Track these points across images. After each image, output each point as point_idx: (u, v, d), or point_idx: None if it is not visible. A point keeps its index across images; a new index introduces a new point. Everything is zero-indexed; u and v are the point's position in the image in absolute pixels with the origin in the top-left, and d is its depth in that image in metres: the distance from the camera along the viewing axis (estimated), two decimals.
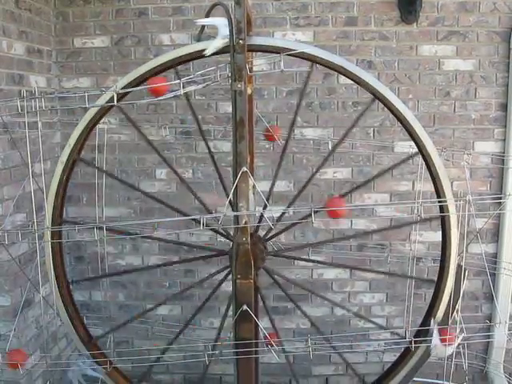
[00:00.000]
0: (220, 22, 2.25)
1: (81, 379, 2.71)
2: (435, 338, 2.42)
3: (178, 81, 2.24)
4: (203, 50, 2.33)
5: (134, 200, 3.89)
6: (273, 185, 2.66)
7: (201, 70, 2.30)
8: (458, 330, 2.44)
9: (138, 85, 2.40)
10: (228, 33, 2.22)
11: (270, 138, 3.43)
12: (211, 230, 2.62)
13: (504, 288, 3.84)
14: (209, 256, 2.89)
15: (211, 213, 2.61)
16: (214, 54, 2.29)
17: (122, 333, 3.81)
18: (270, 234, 2.67)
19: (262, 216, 2.59)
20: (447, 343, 2.41)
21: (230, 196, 2.35)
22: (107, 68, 3.80)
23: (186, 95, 2.41)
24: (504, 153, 3.76)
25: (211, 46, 2.26)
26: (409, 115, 2.40)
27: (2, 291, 3.30)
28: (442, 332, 2.43)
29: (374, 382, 2.80)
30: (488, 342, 3.98)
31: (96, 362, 2.72)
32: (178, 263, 3.88)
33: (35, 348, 3.53)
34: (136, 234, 3.04)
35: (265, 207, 2.53)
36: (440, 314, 2.49)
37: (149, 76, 2.42)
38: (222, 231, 2.64)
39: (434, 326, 2.45)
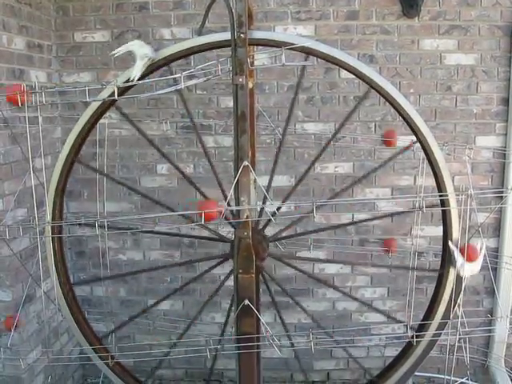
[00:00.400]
0: (134, 47, 2.33)
1: None
2: (459, 258, 2.37)
3: (178, 75, 2.23)
4: (206, 44, 2.34)
5: (134, 195, 3.89)
6: (271, 179, 2.65)
7: (202, 64, 2.29)
8: (479, 244, 2.39)
9: (138, 79, 2.39)
10: (147, 51, 2.31)
11: (388, 143, 3.43)
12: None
13: (505, 282, 3.84)
14: (212, 257, 2.89)
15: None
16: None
17: (123, 328, 3.81)
18: (275, 232, 2.68)
19: (262, 210, 2.59)
20: (470, 259, 2.37)
21: (231, 191, 2.34)
22: (108, 63, 3.79)
23: (180, 92, 2.41)
24: (505, 147, 3.75)
25: (134, 71, 2.33)
26: (410, 109, 2.39)
27: (4, 286, 3.30)
28: (462, 251, 2.38)
29: (377, 376, 2.79)
30: (489, 336, 3.98)
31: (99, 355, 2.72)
32: (180, 265, 3.89)
33: (37, 343, 3.54)
34: (137, 228, 3.04)
35: (265, 201, 2.53)
36: (455, 239, 2.46)
37: (150, 71, 2.41)
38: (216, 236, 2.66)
39: (453, 247, 2.40)
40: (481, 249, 2.40)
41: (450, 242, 2.42)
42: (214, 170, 2.69)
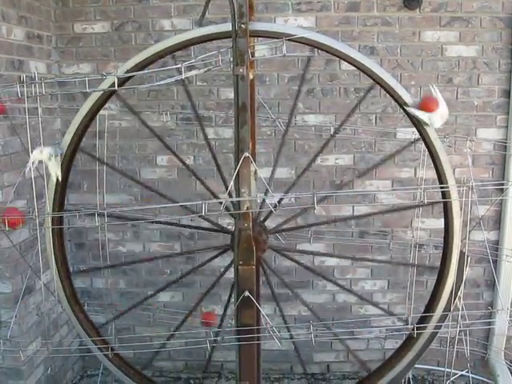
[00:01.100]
0: (36, 156, 2.38)
1: None
2: (423, 114, 2.30)
3: (178, 65, 2.22)
4: (206, 36, 2.33)
5: (134, 186, 3.88)
6: (274, 170, 2.65)
7: (202, 55, 2.28)
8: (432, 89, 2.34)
9: (139, 70, 2.38)
10: (48, 152, 2.40)
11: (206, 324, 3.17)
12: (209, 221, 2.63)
13: (505, 275, 3.84)
14: (212, 248, 2.88)
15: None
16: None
17: (123, 320, 3.80)
18: (275, 224, 2.67)
19: (263, 202, 2.58)
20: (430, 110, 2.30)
21: (231, 183, 2.34)
22: (107, 54, 3.78)
23: (183, 82, 2.41)
24: (506, 139, 3.74)
25: (53, 172, 2.45)
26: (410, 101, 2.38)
27: (3, 278, 3.29)
28: (422, 106, 2.31)
29: (377, 369, 2.79)
30: (489, 329, 3.99)
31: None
32: (181, 255, 3.89)
33: (36, 335, 3.54)
34: (137, 219, 3.04)
35: (266, 193, 2.52)
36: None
37: (150, 61, 2.40)
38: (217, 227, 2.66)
39: (411, 109, 2.33)
40: (435, 92, 2.34)
41: (406, 108, 2.35)
42: (217, 162, 2.68)
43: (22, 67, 3.36)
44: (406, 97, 2.36)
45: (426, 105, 2.31)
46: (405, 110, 2.36)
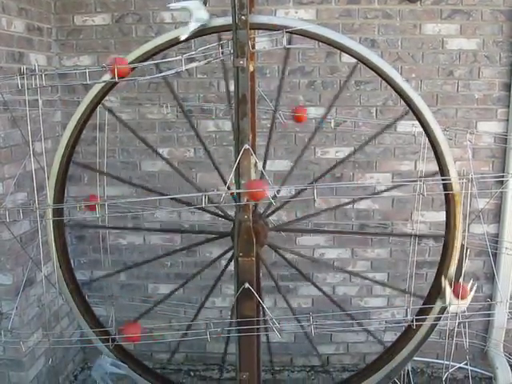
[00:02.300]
0: (193, 5, 2.25)
1: (105, 378, 2.73)
2: (449, 295, 2.44)
3: (179, 57, 2.22)
4: (206, 29, 2.32)
5: (135, 179, 3.88)
6: (265, 158, 2.65)
7: (202, 47, 2.28)
8: (470, 284, 2.45)
9: (140, 62, 2.38)
10: (203, 15, 2.24)
11: (298, 118, 3.35)
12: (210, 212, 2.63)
13: (505, 268, 3.85)
14: (211, 239, 2.88)
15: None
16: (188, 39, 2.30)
17: (123, 312, 3.82)
18: (271, 210, 2.67)
19: None
20: (461, 297, 2.43)
21: (231, 175, 2.34)
22: (108, 46, 3.77)
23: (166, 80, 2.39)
24: (507, 133, 3.74)
25: (186, 31, 2.26)
26: (413, 94, 2.38)
27: (4, 270, 3.30)
28: (454, 288, 2.45)
29: (375, 360, 2.81)
30: (488, 321, 4.00)
31: (99, 338, 2.73)
32: (182, 250, 3.88)
33: (37, 327, 3.55)
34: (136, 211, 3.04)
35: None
36: (451, 272, 2.49)
37: (151, 54, 2.40)
38: (220, 212, 2.65)
39: (445, 283, 2.46)
40: (471, 289, 2.46)
41: (443, 279, 2.48)
42: (210, 155, 2.68)
43: (22, 59, 3.36)
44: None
45: (459, 291, 2.45)
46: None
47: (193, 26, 2.25)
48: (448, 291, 2.44)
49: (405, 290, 3.41)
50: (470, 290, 2.46)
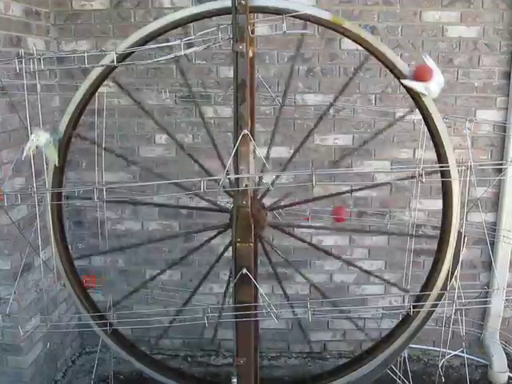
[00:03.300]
0: (33, 142, 2.34)
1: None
2: (418, 85, 2.29)
3: (178, 41, 2.21)
4: (205, 12, 2.31)
5: (133, 165, 3.88)
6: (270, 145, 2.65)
7: (201, 32, 2.26)
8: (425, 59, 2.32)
9: (139, 46, 2.36)
10: (46, 137, 2.34)
11: (338, 219, 3.41)
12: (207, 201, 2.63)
13: (502, 256, 3.87)
14: (211, 228, 2.89)
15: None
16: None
17: (121, 297, 3.83)
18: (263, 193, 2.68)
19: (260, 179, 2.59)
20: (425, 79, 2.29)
21: (230, 160, 2.34)
22: (106, 31, 3.75)
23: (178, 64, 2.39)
24: (506, 121, 3.74)
25: (53, 158, 2.43)
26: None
27: (2, 255, 3.31)
28: (416, 75, 2.29)
29: (372, 346, 2.82)
30: (485, 309, 4.02)
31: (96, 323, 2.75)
32: (179, 236, 3.89)
33: (35, 312, 3.56)
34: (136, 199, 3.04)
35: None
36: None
37: (150, 38, 2.39)
38: (216, 206, 2.66)
39: (406, 82, 2.31)
40: (429, 61, 2.32)
41: (401, 81, 2.32)
42: (213, 141, 2.67)
43: (19, 44, 3.34)
44: (402, 66, 2.33)
45: (421, 75, 2.29)
46: (401, 83, 2.34)
47: (49, 151, 2.40)
48: (413, 83, 2.28)
49: (401, 287, 3.41)
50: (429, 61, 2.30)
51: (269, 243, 2.71)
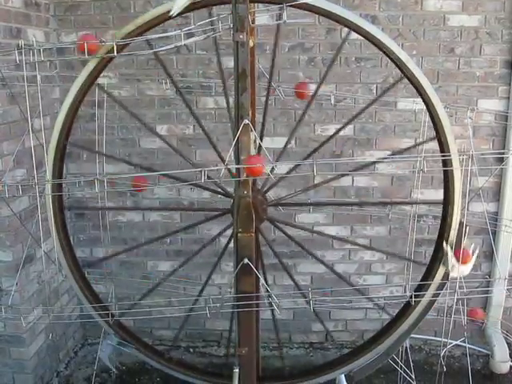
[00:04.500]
0: None
1: (112, 358, 2.76)
2: (451, 259, 2.44)
3: (178, 31, 2.20)
4: (205, 1, 2.30)
5: (134, 156, 3.88)
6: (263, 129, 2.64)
7: (201, 23, 2.26)
8: (471, 248, 2.46)
9: (138, 36, 2.36)
10: None
11: (300, 95, 3.24)
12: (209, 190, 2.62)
13: (504, 246, 3.86)
14: (212, 217, 2.89)
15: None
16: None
17: (123, 289, 3.85)
18: (269, 186, 2.68)
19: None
20: (463, 262, 2.45)
21: (231, 150, 2.33)
22: (106, 22, 3.73)
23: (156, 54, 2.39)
24: (508, 111, 3.72)
25: (175, 7, 2.24)
26: (417, 71, 2.37)
27: (4, 246, 3.31)
28: (456, 253, 2.45)
29: (374, 336, 2.83)
30: (486, 299, 4.02)
31: (99, 313, 2.75)
32: (181, 231, 3.88)
33: (37, 303, 3.57)
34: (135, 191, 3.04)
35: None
36: (452, 239, 2.51)
37: (148, 27, 2.38)
38: (220, 190, 2.65)
39: (447, 248, 2.47)
40: (473, 252, 2.48)
41: (444, 244, 2.48)
42: (205, 131, 2.67)
43: (19, 35, 3.33)
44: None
45: (461, 256, 2.46)
46: (441, 244, 2.49)
47: (183, 1, 2.24)
48: (450, 255, 2.44)
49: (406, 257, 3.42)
50: (472, 253, 2.46)
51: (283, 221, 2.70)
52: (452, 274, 2.46)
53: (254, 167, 2.18)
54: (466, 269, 2.47)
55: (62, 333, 3.92)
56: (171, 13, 2.25)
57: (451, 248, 2.46)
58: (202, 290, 2.81)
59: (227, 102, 2.62)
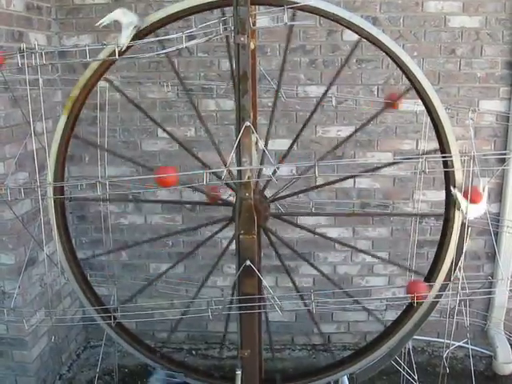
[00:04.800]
0: (118, 15, 2.34)
1: None
2: (463, 202, 2.39)
3: (180, 34, 2.21)
4: (206, 4, 2.31)
5: (136, 158, 3.87)
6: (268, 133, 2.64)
7: (202, 25, 2.26)
8: (481, 186, 2.40)
9: (140, 39, 2.36)
10: (131, 19, 2.31)
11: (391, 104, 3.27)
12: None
13: (506, 247, 3.86)
14: (213, 222, 2.89)
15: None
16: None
17: (125, 291, 3.84)
18: (274, 192, 2.67)
19: (260, 171, 2.59)
20: (474, 201, 2.39)
21: (232, 152, 2.33)
22: (108, 25, 3.70)
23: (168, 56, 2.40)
24: (509, 112, 3.72)
25: (122, 40, 2.33)
26: (419, 73, 2.38)
27: (6, 249, 3.32)
28: (466, 194, 2.39)
29: (377, 337, 2.82)
30: (489, 300, 4.02)
31: (101, 316, 2.75)
32: (182, 232, 3.88)
33: (40, 306, 3.58)
34: (138, 194, 3.04)
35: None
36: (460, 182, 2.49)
37: (150, 30, 2.39)
38: (220, 201, 2.66)
39: (455, 191, 2.42)
40: (483, 189, 2.40)
41: (452, 188, 2.43)
42: (210, 133, 2.67)
43: (21, 38, 3.34)
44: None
45: (471, 195, 2.38)
46: (448, 189, 2.44)
47: (126, 33, 2.31)
48: (459, 196, 2.39)
49: (406, 267, 3.41)
50: (483, 189, 2.40)
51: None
52: (469, 216, 2.40)
53: (165, 178, 2.22)
54: (481, 207, 2.40)
55: (64, 335, 3.92)
56: (119, 48, 2.32)
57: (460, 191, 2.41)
58: (197, 292, 2.80)
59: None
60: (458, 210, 2.43)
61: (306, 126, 2.66)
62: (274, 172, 2.43)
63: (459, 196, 2.39)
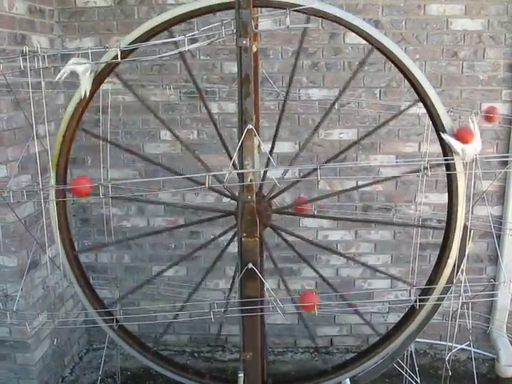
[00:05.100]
0: (72, 66, 2.35)
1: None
2: (456, 144, 2.31)
3: (182, 37, 2.21)
4: (208, 7, 2.31)
5: (138, 162, 3.88)
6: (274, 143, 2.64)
7: (205, 28, 2.26)
8: (471, 125, 2.34)
9: (142, 42, 2.36)
10: (86, 66, 2.33)
11: (489, 118, 3.15)
12: (215, 191, 2.62)
13: (509, 249, 3.86)
14: (215, 217, 2.88)
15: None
16: None
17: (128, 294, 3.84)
18: (275, 193, 2.67)
19: (265, 175, 2.58)
20: (466, 140, 2.31)
21: (235, 154, 2.34)
22: (110, 28, 3.75)
23: (182, 55, 2.40)
24: (511, 114, 3.72)
25: (82, 87, 2.40)
26: (419, 74, 2.37)
27: (9, 252, 3.32)
28: (458, 136, 2.32)
29: (379, 340, 2.82)
30: (491, 303, 4.01)
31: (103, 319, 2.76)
32: (185, 226, 3.88)
33: (42, 309, 3.58)
34: (141, 195, 3.04)
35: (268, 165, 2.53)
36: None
37: (155, 33, 2.39)
38: (226, 192, 2.65)
39: (446, 136, 2.34)
40: (474, 125, 2.33)
41: (442, 134, 2.37)
42: (220, 135, 2.66)
43: (24, 41, 3.35)
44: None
45: (462, 135, 2.32)
46: (439, 136, 2.38)
47: (84, 80, 2.38)
48: (452, 140, 2.31)
49: (405, 281, 3.40)
50: (473, 126, 2.33)
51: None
52: (465, 158, 2.33)
53: (80, 188, 2.24)
54: (476, 145, 2.31)
55: (66, 338, 3.92)
56: (82, 95, 2.40)
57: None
58: (192, 293, 2.79)
59: None
60: (455, 155, 2.35)
61: (317, 129, 2.67)
62: (280, 178, 2.43)
63: (451, 140, 2.32)
